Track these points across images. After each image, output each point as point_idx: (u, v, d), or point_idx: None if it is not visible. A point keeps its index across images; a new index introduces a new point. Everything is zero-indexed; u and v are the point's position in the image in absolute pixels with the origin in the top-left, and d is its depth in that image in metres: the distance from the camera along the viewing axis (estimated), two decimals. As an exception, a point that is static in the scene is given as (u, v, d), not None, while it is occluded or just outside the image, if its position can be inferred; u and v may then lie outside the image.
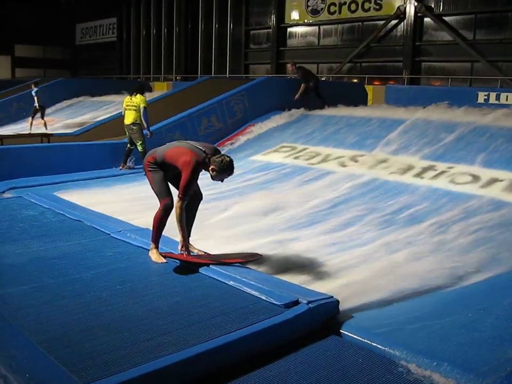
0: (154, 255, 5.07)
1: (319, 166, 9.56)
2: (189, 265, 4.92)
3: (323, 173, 9.12)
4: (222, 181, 4.97)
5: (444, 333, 3.84)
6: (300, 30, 25.83)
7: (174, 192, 5.05)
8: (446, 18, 20.84)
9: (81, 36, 40.80)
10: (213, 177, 4.91)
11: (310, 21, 25.16)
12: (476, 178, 7.98)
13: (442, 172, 8.44)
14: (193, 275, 4.71)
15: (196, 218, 5.32)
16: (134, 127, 10.28)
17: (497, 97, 16.76)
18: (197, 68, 30.66)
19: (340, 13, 23.87)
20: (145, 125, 10.29)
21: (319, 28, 24.99)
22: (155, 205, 7.52)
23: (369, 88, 18.19)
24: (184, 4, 30.88)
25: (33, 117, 17.44)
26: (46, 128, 16.57)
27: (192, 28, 30.90)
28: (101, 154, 10.39)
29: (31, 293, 4.25)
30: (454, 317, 4.15)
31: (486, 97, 16.87)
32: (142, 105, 10.20)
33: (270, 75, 24.26)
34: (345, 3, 23.56)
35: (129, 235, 5.81)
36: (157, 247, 5.10)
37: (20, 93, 22.23)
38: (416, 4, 21.12)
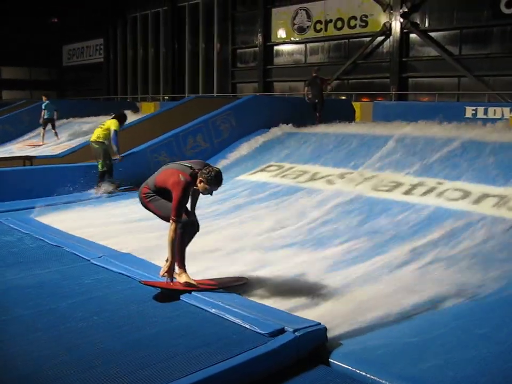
0: (184, 279, 4.75)
1: (307, 184, 9.39)
2: (171, 292, 4.71)
3: (311, 191, 8.94)
4: (211, 194, 4.80)
5: (442, 362, 3.64)
6: (287, 48, 25.82)
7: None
8: (431, 34, 20.87)
9: (68, 57, 40.74)
10: (202, 191, 4.75)
11: (297, 39, 25.17)
12: (466, 193, 7.83)
13: (432, 188, 8.29)
14: (174, 303, 4.51)
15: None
16: (96, 145, 10.28)
17: (485, 112, 16.79)
18: (184, 88, 30.59)
19: (326, 30, 23.89)
20: (114, 148, 10.20)
21: (305, 46, 24.99)
22: (138, 228, 7.45)
23: (356, 105, 18.14)
24: (170, 24, 30.89)
25: (44, 129, 18.32)
26: (58, 138, 18.18)
27: (178, 48, 30.87)
28: (83, 176, 10.15)
29: (1, 326, 4.03)
30: (451, 341, 3.97)
31: (473, 112, 16.90)
32: (112, 128, 10.11)
33: (257, 93, 24.19)
34: (331, 21, 23.60)
35: (109, 261, 5.60)
36: (185, 271, 4.81)
37: (5, 115, 22.02)
38: (401, 20, 21.16)
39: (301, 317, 4.14)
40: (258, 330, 3.88)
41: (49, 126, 18.33)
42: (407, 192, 8.28)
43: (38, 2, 34.42)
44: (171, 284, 4.79)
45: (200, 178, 4.65)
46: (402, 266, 5.56)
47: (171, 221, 4.62)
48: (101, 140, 10.22)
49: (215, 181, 4.64)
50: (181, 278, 4.79)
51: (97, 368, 3.38)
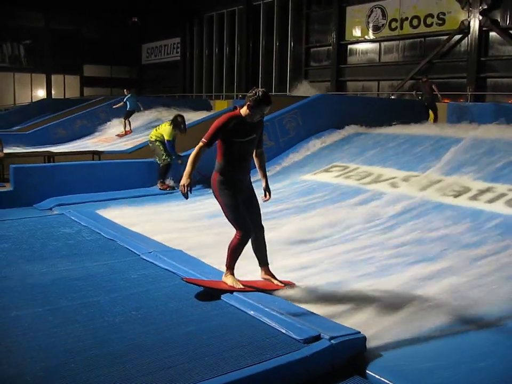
0: (229, 280, 4.74)
1: (370, 186, 9.14)
2: (214, 291, 4.67)
3: (374, 193, 8.70)
4: (262, 116, 4.66)
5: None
6: (361, 47, 25.38)
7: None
8: (513, 32, 19.98)
9: (146, 56, 41.73)
10: (252, 115, 4.57)
11: (371, 38, 24.69)
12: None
13: (502, 195, 7.88)
14: (213, 302, 4.46)
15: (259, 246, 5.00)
16: (150, 144, 10.57)
17: None
18: (258, 86, 30.63)
19: (401, 28, 23.30)
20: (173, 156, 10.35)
21: (380, 45, 24.47)
22: (196, 225, 7.48)
23: (430, 106, 17.55)
24: (245, 23, 31.03)
25: (125, 120, 19.76)
26: (129, 129, 19.75)
27: (253, 46, 30.97)
28: (147, 172, 10.32)
29: (44, 316, 4.13)
30: (504, 360, 3.72)
31: (555, 115, 16.02)
32: (166, 138, 10.26)
33: (330, 93, 23.92)
34: (406, 18, 22.99)
35: (159, 257, 5.62)
36: (232, 273, 4.78)
37: (84, 111, 22.77)
38: (480, 17, 20.33)
39: (340, 324, 3.99)
40: (294, 336, 3.77)
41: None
42: (474, 197, 7.92)
43: (119, 2, 35.42)
44: (214, 283, 4.77)
45: (248, 103, 4.54)
46: (461, 275, 5.25)
47: (200, 143, 4.60)
48: (153, 139, 10.40)
49: (263, 100, 4.51)
50: (226, 279, 4.78)
51: (124, 364, 3.37)
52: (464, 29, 20.89)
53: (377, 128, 12.56)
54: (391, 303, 4.53)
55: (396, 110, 14.34)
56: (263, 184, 4.99)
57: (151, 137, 10.45)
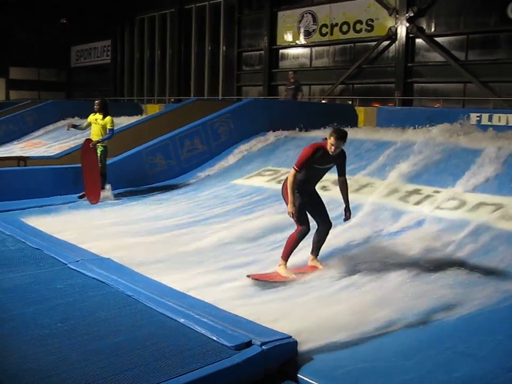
0: (283, 271, 5.49)
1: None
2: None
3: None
4: (339, 149, 5.44)
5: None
6: (292, 52, 25.63)
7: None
8: (438, 39, 20.60)
9: (76, 58, 40.73)
10: (335, 146, 5.33)
11: (302, 43, 24.99)
12: (462, 203, 7.63)
13: (428, 196, 8.10)
14: (143, 310, 4.36)
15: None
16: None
17: (490, 119, 16.53)
18: (190, 90, 30.50)
19: (331, 34, 23.68)
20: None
21: (311, 50, 24.78)
22: (125, 232, 7.33)
23: (360, 110, 17.93)
24: (177, 26, 30.81)
25: None
26: None
27: (185, 50, 30.79)
28: (76, 177, 10.04)
29: (-40, 333, 3.90)
30: (431, 360, 3.80)
31: (478, 118, 16.63)
32: (110, 127, 9.88)
33: (262, 97, 24.06)
34: (336, 24, 23.40)
35: (86, 265, 5.46)
36: (285, 264, 5.53)
37: (9, 115, 22.02)
38: (407, 24, 20.91)
39: (272, 329, 3.97)
40: (225, 343, 3.73)
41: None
42: (402, 199, 8.11)
43: (47, 3, 34.45)
44: (273, 276, 5.42)
45: (335, 135, 5.33)
46: (384, 280, 5.35)
47: (292, 170, 5.48)
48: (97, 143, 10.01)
49: (344, 135, 5.41)
50: (280, 269, 5.52)
51: (49, 378, 3.23)
52: (392, 36, 21.45)
53: (309, 132, 12.70)
54: (322, 307, 4.56)
55: (327, 114, 14.54)
56: (344, 205, 5.78)
57: (93, 137, 9.94)
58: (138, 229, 7.55)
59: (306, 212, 5.62)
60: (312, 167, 5.48)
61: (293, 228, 5.81)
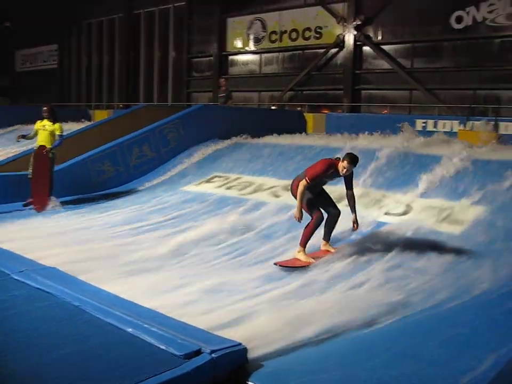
0: (302, 256, 6.12)
1: (251, 196, 9.24)
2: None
3: (255, 203, 8.78)
4: (348, 172, 6.04)
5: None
6: (242, 58, 25.74)
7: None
8: (384, 47, 21.06)
9: (21, 63, 39.81)
10: (346, 170, 5.96)
11: (252, 49, 25.12)
12: (408, 207, 7.77)
13: (377, 201, 8.21)
14: (90, 321, 4.25)
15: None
16: (50, 154, 9.72)
17: (435, 125, 16.97)
18: (139, 96, 30.22)
19: (280, 41, 23.91)
20: None
21: (260, 56, 24.95)
22: (70, 241, 7.18)
23: (309, 116, 18.13)
24: (125, 31, 30.51)
25: None
26: None
27: (134, 56, 30.50)
28: (19, 186, 9.77)
29: None
30: (377, 361, 3.84)
31: (424, 124, 17.07)
32: (59, 133, 9.69)
33: (211, 103, 24.03)
34: (285, 31, 23.63)
35: (31, 276, 5.30)
36: (304, 250, 6.16)
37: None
38: (355, 32, 21.30)
39: (221, 337, 3.94)
40: (174, 352, 3.67)
41: None
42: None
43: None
44: (294, 261, 6.05)
45: (347, 159, 5.92)
46: (332, 285, 5.40)
47: (304, 181, 6.02)
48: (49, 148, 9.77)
49: (356, 160, 5.99)
50: (299, 255, 6.14)
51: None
52: (340, 43, 21.80)
53: (259, 138, 12.75)
54: (270, 313, 4.57)
55: (277, 120, 14.66)
56: (352, 217, 6.28)
57: (46, 144, 9.70)
58: (85, 237, 7.42)
59: (317, 205, 6.24)
60: (321, 180, 6.19)
61: (237, 236, 6.28)
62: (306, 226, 6.17)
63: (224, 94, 15.74)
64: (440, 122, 16.88)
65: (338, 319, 4.40)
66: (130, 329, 4.04)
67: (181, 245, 6.87)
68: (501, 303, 4.75)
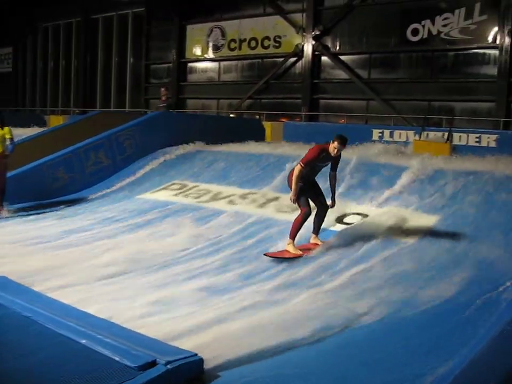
0: (291, 248, 6.43)
1: (208, 204, 9.19)
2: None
3: (211, 212, 8.73)
4: (339, 152, 6.46)
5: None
6: (201, 66, 25.71)
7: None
8: (342, 57, 21.34)
9: (-26, 66, 38.89)
10: (337, 150, 6.39)
11: (211, 57, 25.13)
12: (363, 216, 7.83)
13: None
14: (42, 332, 4.14)
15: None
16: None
17: (391, 135, 17.25)
18: (96, 102, 29.85)
19: (240, 49, 23.98)
20: None
21: (219, 64, 24.97)
22: (23, 250, 7.00)
23: (267, 125, 18.18)
24: (83, 36, 30.12)
25: None
26: None
27: (91, 61, 30.12)
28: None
29: None
30: (333, 371, 3.86)
31: (380, 134, 17.33)
32: (10, 137, 9.45)
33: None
34: (245, 40, 23.72)
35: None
36: (293, 243, 6.45)
37: None
38: (313, 42, 21.53)
39: (177, 348, 3.89)
40: (128, 363, 3.60)
41: None
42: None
43: None
44: (284, 253, 6.40)
45: (338, 140, 6.34)
46: (288, 294, 5.39)
47: (299, 165, 6.42)
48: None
49: (346, 141, 6.45)
50: (289, 247, 6.46)
51: None
52: (299, 53, 22.01)
53: (217, 146, 12.69)
54: (228, 323, 4.53)
55: (235, 128, 14.64)
56: (331, 195, 6.80)
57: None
58: (36, 245, 7.24)
59: (307, 198, 6.56)
60: (315, 165, 6.52)
61: (193, 244, 6.44)
62: (294, 220, 6.52)
63: (164, 104, 15.15)
64: (396, 132, 17.17)
65: (299, 327, 4.40)
66: (83, 341, 3.95)
67: (136, 253, 6.77)
68: (449, 315, 4.78)
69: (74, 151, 11.35)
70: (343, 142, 6.44)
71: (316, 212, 6.76)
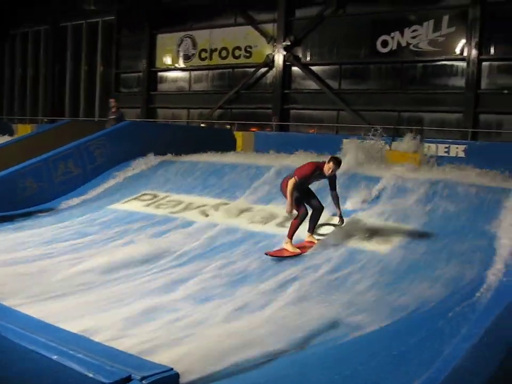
0: (289, 247, 6.80)
1: (180, 215, 9.11)
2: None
3: (183, 222, 8.66)
4: (333, 172, 6.87)
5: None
6: (171, 75, 25.64)
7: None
8: (313, 68, 21.50)
9: None
10: (332, 170, 6.78)
11: (181, 66, 25.07)
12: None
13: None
14: (10, 347, 4.00)
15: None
16: None
17: (361, 145, 17.33)
18: (64, 110, 29.50)
19: (210, 59, 23.99)
20: None
21: (190, 73, 24.93)
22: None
23: (238, 135, 18.16)
24: (51, 44, 29.78)
25: None
26: None
27: (59, 69, 29.78)
28: None
29: None
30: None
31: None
32: None
33: (139, 119, 23.76)
34: (216, 49, 23.73)
35: None
36: (291, 242, 6.83)
37: None
38: (284, 53, 21.66)
39: (152, 362, 3.79)
40: (102, 380, 3.49)
41: None
42: (281, 224, 8.19)
43: None
44: (283, 252, 6.74)
45: (333, 161, 6.77)
46: (263, 305, 5.36)
47: (293, 179, 6.73)
48: None
49: (340, 163, 6.92)
50: (287, 246, 6.84)
51: None
52: (270, 63, 22.11)
53: (188, 156, 12.63)
54: (204, 336, 4.47)
55: (206, 138, 14.58)
56: (338, 213, 7.17)
57: None
58: (2, 258, 7.06)
59: (303, 202, 6.92)
60: (308, 180, 6.90)
61: (164, 257, 6.54)
62: (293, 221, 6.89)
63: (115, 116, 14.33)
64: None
65: (276, 339, 4.36)
66: (55, 356, 3.83)
67: (106, 266, 6.66)
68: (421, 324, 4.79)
69: (43, 161, 11.16)
70: (338, 164, 6.83)
71: (312, 213, 7.07)
